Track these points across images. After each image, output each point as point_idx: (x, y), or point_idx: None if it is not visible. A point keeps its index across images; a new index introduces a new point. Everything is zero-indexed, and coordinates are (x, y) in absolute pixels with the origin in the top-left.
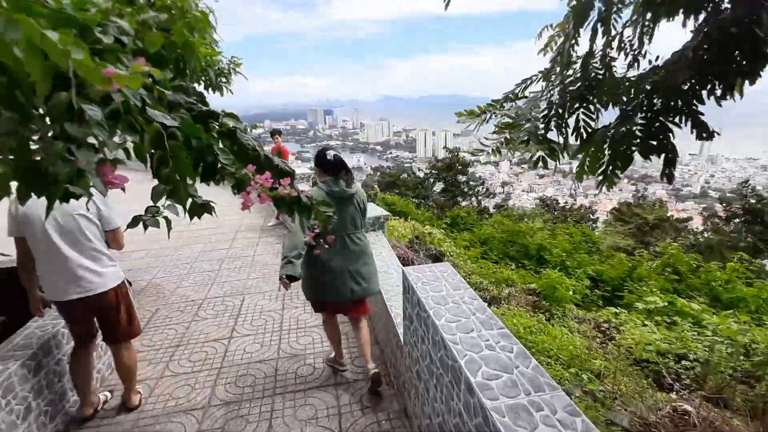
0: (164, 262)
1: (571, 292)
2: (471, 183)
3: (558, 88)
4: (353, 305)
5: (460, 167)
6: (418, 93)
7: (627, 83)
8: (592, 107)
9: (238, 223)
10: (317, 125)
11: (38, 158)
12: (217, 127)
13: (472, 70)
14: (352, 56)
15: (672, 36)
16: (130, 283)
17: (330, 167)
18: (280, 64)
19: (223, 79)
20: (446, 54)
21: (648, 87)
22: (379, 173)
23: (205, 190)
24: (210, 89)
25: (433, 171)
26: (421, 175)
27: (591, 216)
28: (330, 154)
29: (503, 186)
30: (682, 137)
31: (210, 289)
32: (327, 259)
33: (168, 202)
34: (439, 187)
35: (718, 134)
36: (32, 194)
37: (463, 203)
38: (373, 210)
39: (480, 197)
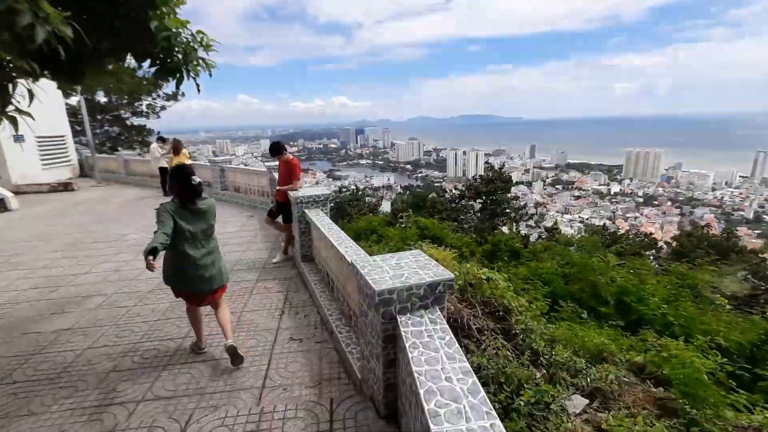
0: (94, 304)
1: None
2: (513, 203)
3: None
4: (212, 295)
5: (502, 184)
6: (451, 113)
7: None
8: None
9: (237, 256)
10: (349, 144)
11: None
12: None
13: (504, 90)
14: (386, 78)
15: None
16: None
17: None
18: (315, 87)
19: (197, 62)
20: (478, 75)
21: None
22: (408, 192)
23: None
24: (175, 75)
25: (470, 190)
26: (456, 193)
27: (655, 245)
28: (195, 180)
29: (536, 207)
30: (732, 158)
31: (151, 379)
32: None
33: None
34: (475, 207)
35: None
36: None
37: (504, 227)
38: (422, 269)
39: (520, 220)
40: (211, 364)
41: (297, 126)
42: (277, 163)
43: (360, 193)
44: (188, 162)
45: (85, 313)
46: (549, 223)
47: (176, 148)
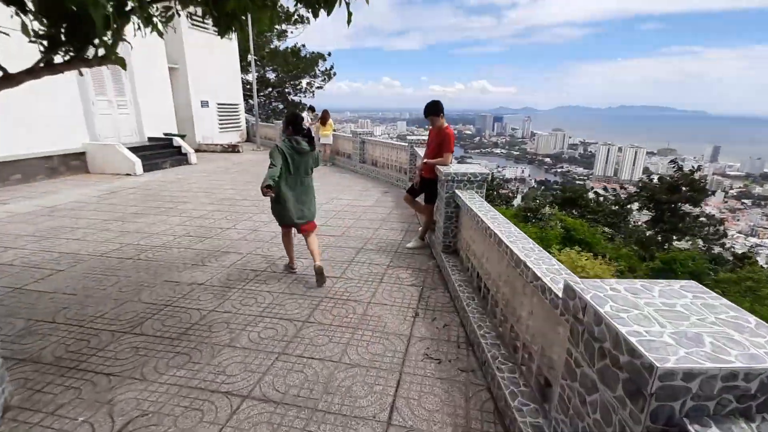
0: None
1: None
2: (700, 218)
3: None
4: (302, 226)
5: (690, 193)
6: (608, 103)
7: None
8: None
9: (369, 234)
10: (484, 131)
11: None
12: None
13: (685, 78)
14: (534, 62)
15: None
16: None
17: (298, 130)
18: (456, 70)
19: None
20: (651, 58)
21: None
22: (543, 187)
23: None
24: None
25: (642, 193)
26: (622, 194)
27: None
28: (305, 125)
29: (710, 223)
30: None
31: (263, 368)
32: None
33: None
34: (641, 216)
35: None
36: None
37: (680, 243)
38: (736, 330)
39: (711, 239)
40: (329, 366)
41: None
42: (417, 137)
43: (494, 182)
44: (332, 132)
45: (220, 270)
46: (726, 243)
47: (324, 118)
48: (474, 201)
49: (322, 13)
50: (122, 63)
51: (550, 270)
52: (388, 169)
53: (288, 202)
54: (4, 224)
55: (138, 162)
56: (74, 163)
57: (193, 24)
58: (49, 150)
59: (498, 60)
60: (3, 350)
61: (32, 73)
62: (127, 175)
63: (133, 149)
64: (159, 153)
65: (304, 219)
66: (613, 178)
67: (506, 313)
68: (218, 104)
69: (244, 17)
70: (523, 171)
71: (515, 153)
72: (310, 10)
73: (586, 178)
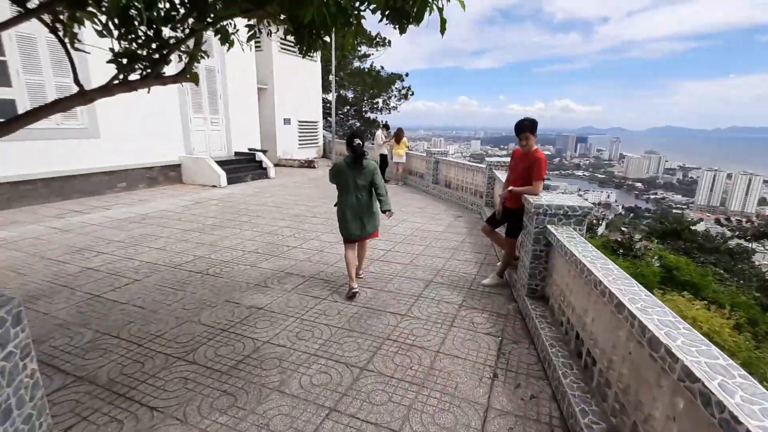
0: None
1: None
2: None
3: None
4: (362, 239)
5: None
6: (716, 123)
7: None
8: None
9: (439, 264)
10: (566, 152)
11: None
12: None
13: None
14: (628, 80)
15: None
16: None
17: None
18: (537, 89)
19: None
20: None
21: None
22: (632, 214)
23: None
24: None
25: None
26: (751, 226)
27: None
28: (355, 142)
29: None
30: None
31: (312, 426)
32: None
33: None
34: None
35: None
36: None
37: None
38: None
39: None
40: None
41: (510, 129)
42: (497, 159)
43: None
44: (405, 151)
45: (281, 295)
46: None
47: (398, 136)
48: (574, 242)
49: (397, 32)
50: (196, 79)
51: (715, 369)
52: (462, 191)
53: (347, 217)
54: (102, 229)
55: (223, 175)
56: (171, 174)
57: (282, 48)
58: (152, 161)
59: (584, 77)
60: (66, 364)
61: (105, 90)
62: (213, 186)
63: (220, 162)
64: (242, 167)
65: (363, 233)
66: (719, 209)
67: (624, 402)
68: (299, 122)
69: (327, 37)
70: (608, 196)
71: (600, 176)
72: (396, 27)
73: (685, 206)
